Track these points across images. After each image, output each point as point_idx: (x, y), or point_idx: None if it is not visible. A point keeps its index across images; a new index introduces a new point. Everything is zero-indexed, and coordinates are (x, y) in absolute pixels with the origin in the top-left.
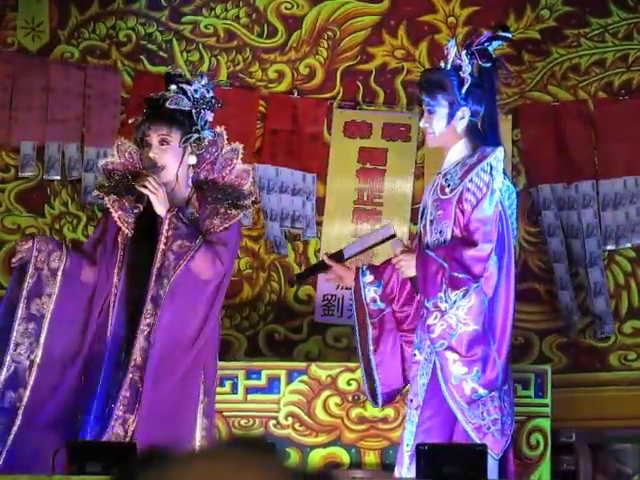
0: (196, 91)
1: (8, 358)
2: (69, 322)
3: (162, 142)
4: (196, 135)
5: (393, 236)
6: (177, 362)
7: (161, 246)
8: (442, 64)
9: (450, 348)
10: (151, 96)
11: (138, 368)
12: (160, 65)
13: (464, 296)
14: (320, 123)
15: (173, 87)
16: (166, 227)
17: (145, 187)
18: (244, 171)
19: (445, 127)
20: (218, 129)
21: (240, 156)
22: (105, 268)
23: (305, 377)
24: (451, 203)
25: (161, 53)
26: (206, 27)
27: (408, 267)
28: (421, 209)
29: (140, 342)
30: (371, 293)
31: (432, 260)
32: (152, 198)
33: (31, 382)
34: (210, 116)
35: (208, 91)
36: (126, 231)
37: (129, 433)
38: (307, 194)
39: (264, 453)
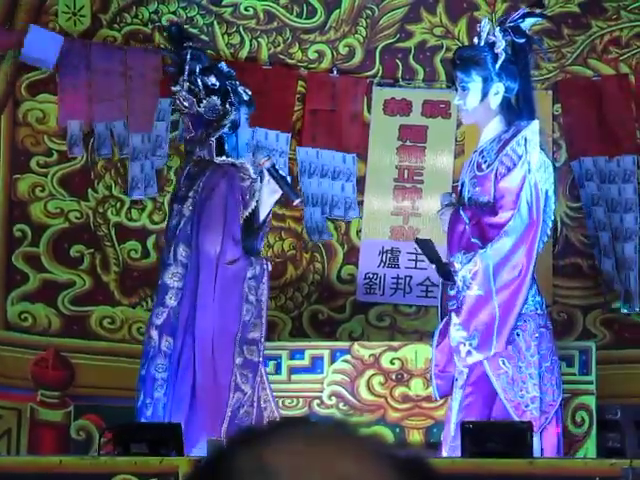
0: None
1: None
2: None
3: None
4: None
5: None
6: None
7: (266, 230)
8: (476, 41)
9: (456, 310)
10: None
11: None
12: (203, 48)
13: (469, 260)
14: (360, 102)
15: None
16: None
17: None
18: None
19: (479, 103)
20: None
21: None
22: None
23: (348, 356)
24: (488, 179)
25: (203, 36)
26: (246, 9)
27: (445, 222)
28: (459, 187)
29: None
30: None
31: (461, 220)
32: None
33: None
34: None
35: None
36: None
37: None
38: (347, 176)
39: (363, 440)
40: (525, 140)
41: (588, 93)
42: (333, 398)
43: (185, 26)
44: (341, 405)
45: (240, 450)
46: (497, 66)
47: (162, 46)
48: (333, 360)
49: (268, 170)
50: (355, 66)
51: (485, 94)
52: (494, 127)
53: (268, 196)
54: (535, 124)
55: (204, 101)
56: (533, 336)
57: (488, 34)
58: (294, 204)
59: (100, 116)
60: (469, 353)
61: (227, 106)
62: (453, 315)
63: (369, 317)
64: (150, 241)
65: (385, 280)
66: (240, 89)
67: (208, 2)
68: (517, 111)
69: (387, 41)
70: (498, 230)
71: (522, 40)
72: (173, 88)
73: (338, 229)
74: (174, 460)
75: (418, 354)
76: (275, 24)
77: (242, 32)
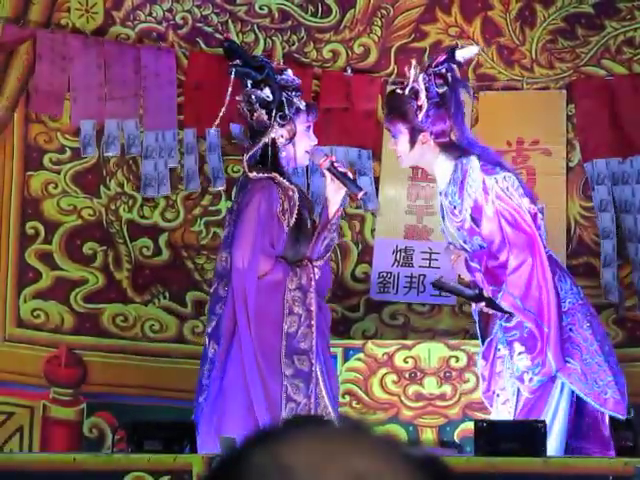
0: None
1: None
2: None
3: None
4: None
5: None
6: None
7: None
8: (399, 91)
9: (519, 340)
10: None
11: None
12: (216, 47)
13: (500, 303)
14: (374, 101)
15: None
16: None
17: None
18: None
19: (409, 151)
20: None
21: None
22: None
23: (361, 355)
24: (469, 224)
25: (217, 35)
26: (261, 8)
27: (461, 271)
28: (447, 234)
29: None
30: None
31: (474, 269)
32: None
33: None
34: None
35: None
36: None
37: None
38: (364, 170)
39: (379, 439)
40: (473, 181)
41: (602, 93)
42: (346, 396)
43: (199, 24)
44: (354, 403)
45: (257, 448)
46: (421, 116)
47: (176, 45)
48: (346, 358)
49: (328, 169)
50: (370, 65)
51: (413, 143)
52: (444, 167)
53: (333, 194)
54: (474, 160)
55: (255, 113)
56: (585, 326)
57: (413, 81)
58: (358, 197)
59: (112, 113)
60: (531, 380)
61: (277, 119)
62: (516, 344)
63: (383, 316)
64: (162, 238)
65: (399, 279)
66: (296, 99)
67: (222, 0)
68: (457, 145)
69: (402, 41)
70: (504, 269)
71: (444, 88)
72: (237, 98)
73: (353, 228)
74: (188, 457)
75: (431, 352)
76: (290, 23)
77: (256, 31)
